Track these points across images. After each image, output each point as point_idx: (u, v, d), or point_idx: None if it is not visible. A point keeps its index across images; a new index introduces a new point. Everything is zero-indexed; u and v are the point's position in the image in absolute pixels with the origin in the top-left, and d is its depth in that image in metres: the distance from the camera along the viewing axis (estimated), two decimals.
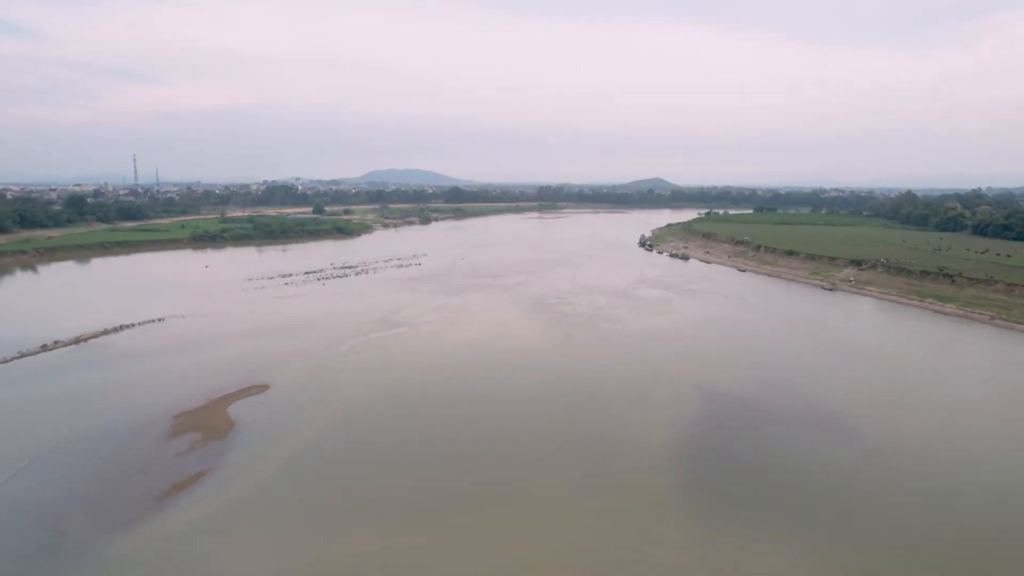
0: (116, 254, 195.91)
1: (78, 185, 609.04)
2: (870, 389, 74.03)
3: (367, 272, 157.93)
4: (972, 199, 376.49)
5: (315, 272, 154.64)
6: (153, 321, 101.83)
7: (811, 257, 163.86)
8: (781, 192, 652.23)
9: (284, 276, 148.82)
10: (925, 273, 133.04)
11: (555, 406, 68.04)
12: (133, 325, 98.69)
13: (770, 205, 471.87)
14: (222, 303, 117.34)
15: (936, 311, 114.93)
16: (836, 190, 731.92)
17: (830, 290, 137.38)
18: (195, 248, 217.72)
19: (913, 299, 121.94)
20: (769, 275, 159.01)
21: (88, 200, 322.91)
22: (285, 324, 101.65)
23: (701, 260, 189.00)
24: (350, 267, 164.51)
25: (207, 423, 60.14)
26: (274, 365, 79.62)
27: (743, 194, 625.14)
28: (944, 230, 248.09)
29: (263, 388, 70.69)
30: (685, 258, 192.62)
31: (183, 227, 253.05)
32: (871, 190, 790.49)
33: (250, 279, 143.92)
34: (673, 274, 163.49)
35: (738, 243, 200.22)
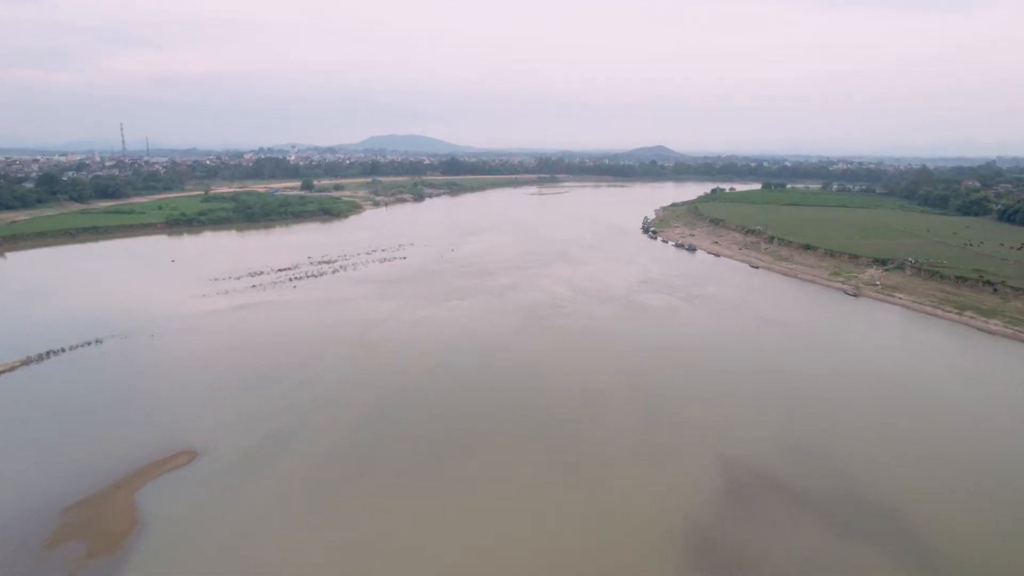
0: (82, 241, 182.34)
1: (64, 155, 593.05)
2: (939, 467, 60.02)
3: (345, 269, 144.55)
4: (991, 175, 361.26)
5: (288, 270, 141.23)
6: (89, 344, 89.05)
7: (831, 254, 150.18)
8: (788, 164, 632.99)
9: (253, 275, 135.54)
10: (961, 279, 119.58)
11: (534, 468, 55.79)
12: (63, 350, 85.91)
13: (777, 180, 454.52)
14: (175, 315, 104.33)
15: (979, 327, 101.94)
16: (844, 161, 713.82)
17: (854, 296, 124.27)
18: (170, 233, 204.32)
19: (951, 311, 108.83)
20: (785, 273, 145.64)
21: (65, 177, 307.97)
22: (239, 348, 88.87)
23: (709, 252, 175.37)
24: (328, 262, 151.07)
25: (101, 522, 47.76)
26: (212, 414, 67.08)
27: (748, 166, 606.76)
28: (966, 214, 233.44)
29: (190, 456, 58.17)
30: (692, 249, 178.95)
31: (160, 208, 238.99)
32: (879, 160, 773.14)
33: (215, 279, 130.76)
34: (679, 271, 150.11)
35: (749, 232, 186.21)
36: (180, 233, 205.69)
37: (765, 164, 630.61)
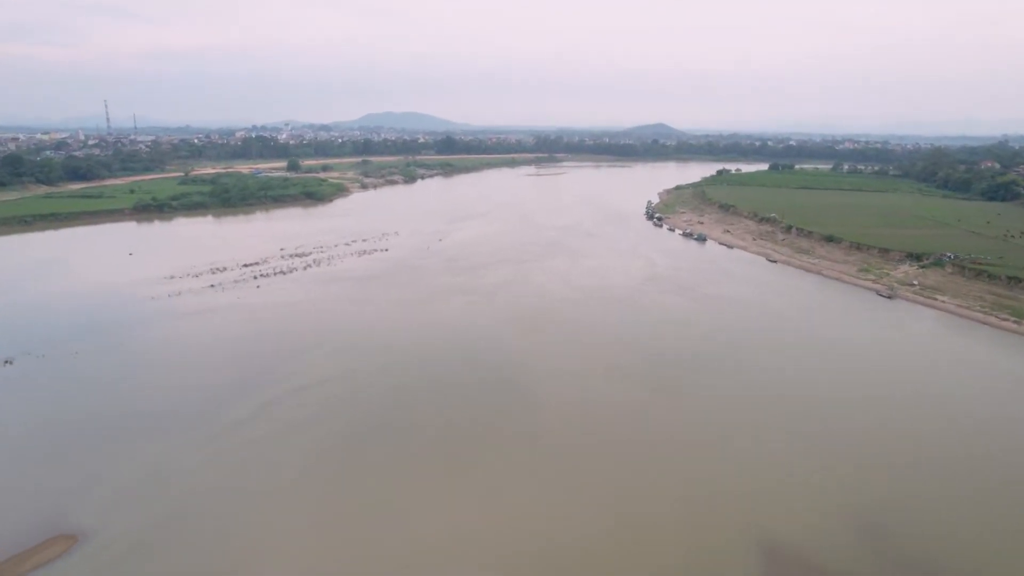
0: (39, 229, 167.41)
1: (46, 134, 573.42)
2: None
3: (319, 264, 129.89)
4: (1008, 156, 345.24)
5: (255, 265, 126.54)
6: None
7: (857, 246, 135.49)
8: (793, 143, 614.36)
9: (215, 271, 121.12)
10: (1014, 279, 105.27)
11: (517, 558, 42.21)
12: None
13: (784, 160, 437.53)
14: (111, 325, 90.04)
15: None
16: (850, 140, 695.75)
17: (888, 297, 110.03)
18: (139, 220, 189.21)
19: (1007, 318, 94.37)
20: (807, 269, 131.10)
21: (36, 158, 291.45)
22: (171, 372, 74.80)
23: (720, 242, 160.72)
24: (301, 255, 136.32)
25: None
26: (112, 472, 53.18)
27: (753, 145, 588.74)
28: (991, 198, 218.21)
29: (67, 543, 44.32)
30: (702, 239, 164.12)
31: (132, 191, 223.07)
32: (885, 139, 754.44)
33: (171, 277, 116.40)
34: (689, 266, 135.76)
35: (763, 220, 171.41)
36: (150, 220, 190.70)
37: (770, 143, 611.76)
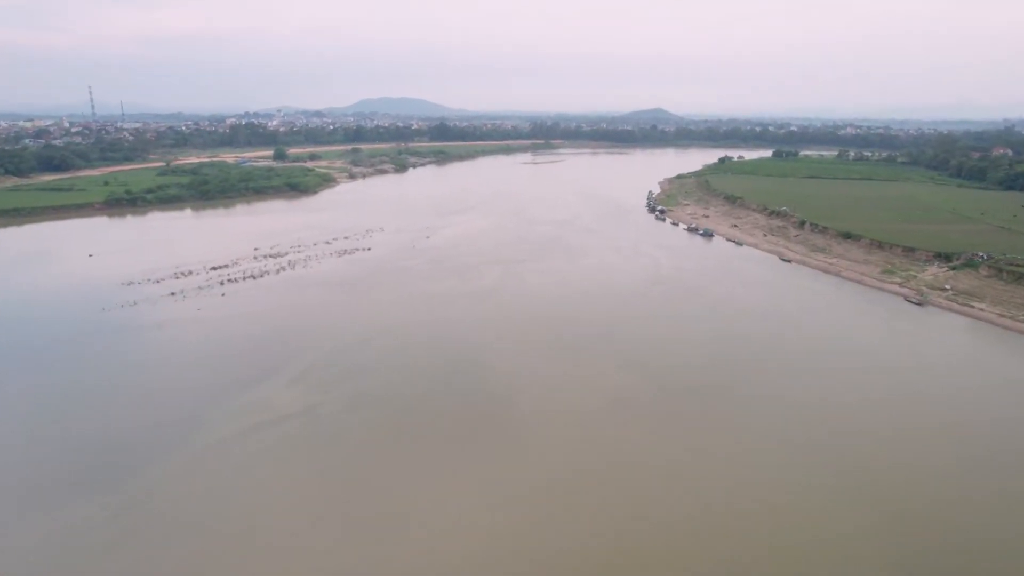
0: (1, 226, 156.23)
1: (30, 121, 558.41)
2: None
3: (294, 266, 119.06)
4: (1020, 142, 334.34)
5: (223, 268, 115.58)
6: None
7: (878, 245, 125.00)
8: (794, 129, 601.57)
9: (179, 276, 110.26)
10: None
11: None
12: None
13: (786, 145, 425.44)
14: (48, 342, 79.66)
15: None
16: (851, 125, 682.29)
17: (918, 304, 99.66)
18: (111, 214, 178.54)
19: None
20: (824, 270, 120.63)
21: (14, 146, 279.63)
22: (101, 405, 64.45)
23: (728, 238, 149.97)
24: (276, 255, 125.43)
25: None
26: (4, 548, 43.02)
27: (754, 131, 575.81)
28: (1010, 188, 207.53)
29: None
30: (708, 235, 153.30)
31: (106, 183, 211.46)
32: (886, 124, 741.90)
33: (130, 283, 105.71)
34: (697, 266, 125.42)
35: (773, 214, 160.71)
36: (123, 215, 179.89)
37: (771, 129, 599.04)
